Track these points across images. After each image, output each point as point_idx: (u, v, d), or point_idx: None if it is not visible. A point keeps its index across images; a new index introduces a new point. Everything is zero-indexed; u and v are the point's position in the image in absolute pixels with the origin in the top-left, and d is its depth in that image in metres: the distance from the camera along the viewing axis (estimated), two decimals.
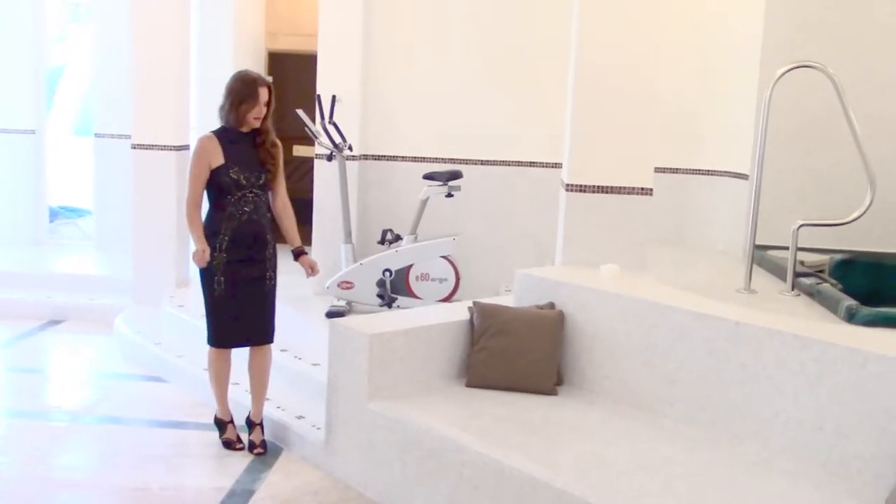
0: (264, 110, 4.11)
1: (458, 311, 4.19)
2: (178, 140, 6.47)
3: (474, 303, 4.15)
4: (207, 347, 4.29)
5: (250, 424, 4.33)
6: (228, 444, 4.34)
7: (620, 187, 4.42)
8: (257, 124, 4.12)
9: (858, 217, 4.63)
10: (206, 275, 4.14)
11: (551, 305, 4.12)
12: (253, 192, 4.13)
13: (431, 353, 4.00)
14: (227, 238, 4.10)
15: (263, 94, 4.09)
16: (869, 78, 5.43)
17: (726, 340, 3.48)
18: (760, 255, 5.38)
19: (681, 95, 5.84)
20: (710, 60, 6.03)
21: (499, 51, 6.39)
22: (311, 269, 4.34)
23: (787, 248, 5.39)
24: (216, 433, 4.39)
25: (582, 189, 4.46)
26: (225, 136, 4.13)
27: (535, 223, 6.23)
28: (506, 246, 6.38)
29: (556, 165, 5.96)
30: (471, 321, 4.10)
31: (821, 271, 5.38)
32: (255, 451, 4.24)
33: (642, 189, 4.44)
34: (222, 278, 4.12)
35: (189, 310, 5.83)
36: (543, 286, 4.20)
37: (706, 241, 6.16)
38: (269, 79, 4.41)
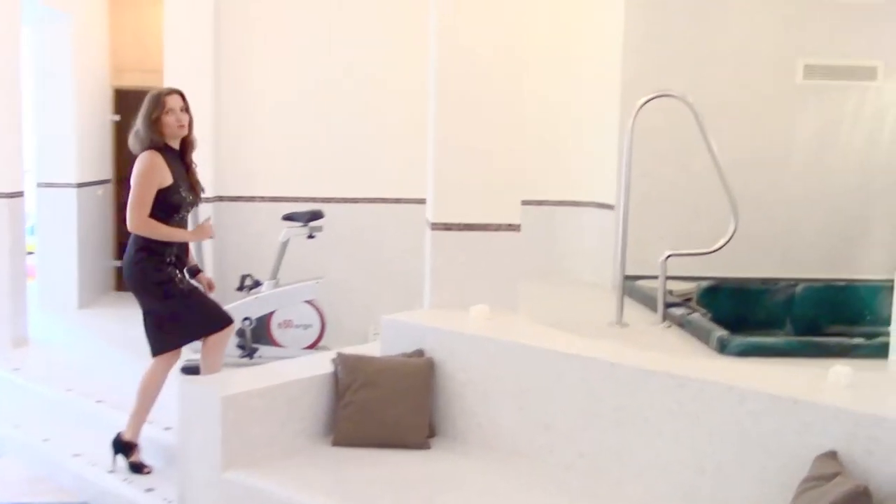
0: (184, 116, 4.10)
1: (321, 364, 3.89)
2: (10, 187, 5.92)
3: (338, 354, 3.87)
4: (150, 364, 4.19)
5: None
6: (139, 468, 4.17)
7: (486, 224, 4.25)
8: (183, 132, 4.10)
9: (723, 245, 4.64)
10: (162, 286, 4.06)
11: (420, 353, 3.88)
12: (188, 213, 4.19)
13: (293, 411, 3.68)
14: (174, 255, 4.12)
15: (172, 100, 4.07)
16: (723, 107, 5.50)
17: (602, 381, 3.32)
18: (630, 286, 5.35)
19: (545, 126, 5.77)
20: (574, 91, 6.01)
21: (359, 83, 6.19)
22: (209, 287, 4.34)
23: (655, 278, 5.38)
24: None
25: (447, 227, 4.27)
26: (162, 155, 4.04)
27: (404, 262, 6.02)
28: (373, 287, 6.13)
29: (423, 201, 5.77)
30: (335, 374, 3.81)
31: (689, 299, 5.40)
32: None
33: (509, 225, 4.28)
34: (181, 277, 4.14)
35: (27, 372, 5.29)
36: (411, 332, 3.96)
37: (575, 272, 6.10)
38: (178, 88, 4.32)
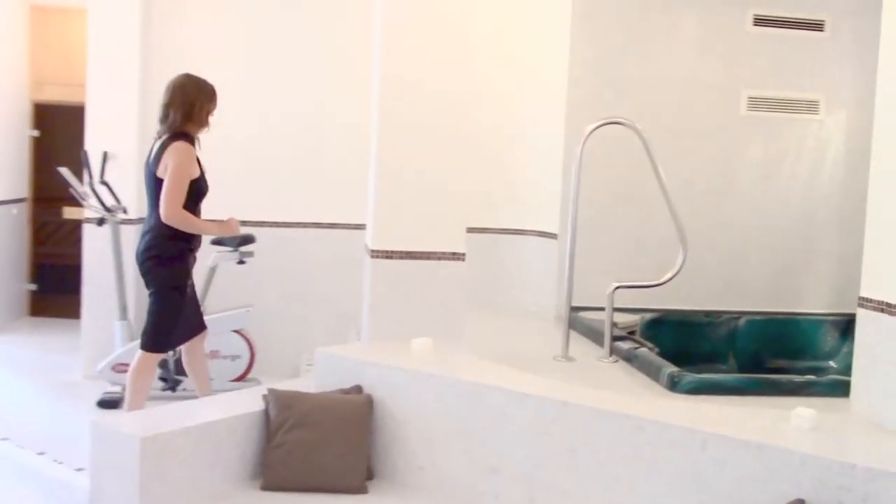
0: None
1: (251, 401, 3.61)
2: None
3: (270, 391, 3.59)
4: (141, 356, 4.18)
5: None
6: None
7: (430, 252, 4.05)
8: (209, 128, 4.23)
9: (672, 277, 4.50)
10: (176, 280, 4.14)
11: (358, 389, 3.63)
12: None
13: (220, 453, 3.39)
14: (195, 244, 4.23)
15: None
16: (667, 136, 5.41)
17: (554, 422, 3.12)
18: (573, 318, 5.18)
19: (486, 152, 5.59)
20: (516, 117, 5.86)
21: (295, 103, 5.93)
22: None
23: (599, 309, 5.23)
24: None
25: (388, 255, 4.05)
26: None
27: (339, 290, 5.76)
28: (307, 316, 5.85)
29: (361, 227, 5.54)
30: (266, 412, 3.53)
31: (633, 332, 5.26)
32: None
33: (454, 254, 4.08)
34: (186, 281, 4.22)
35: None
36: (348, 366, 3.70)
37: (516, 302, 5.92)
38: None
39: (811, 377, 4.09)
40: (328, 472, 3.41)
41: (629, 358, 4.40)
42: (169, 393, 5.15)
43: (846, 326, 5.67)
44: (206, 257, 5.33)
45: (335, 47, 5.94)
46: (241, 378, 5.24)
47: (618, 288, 4.52)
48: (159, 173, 4.02)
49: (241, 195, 5.91)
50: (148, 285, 4.18)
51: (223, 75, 5.90)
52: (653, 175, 5.17)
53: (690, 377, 3.83)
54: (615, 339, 4.61)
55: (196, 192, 4.12)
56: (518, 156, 5.85)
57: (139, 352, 4.21)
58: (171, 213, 3.99)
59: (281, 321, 5.80)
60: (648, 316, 5.48)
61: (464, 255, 4.10)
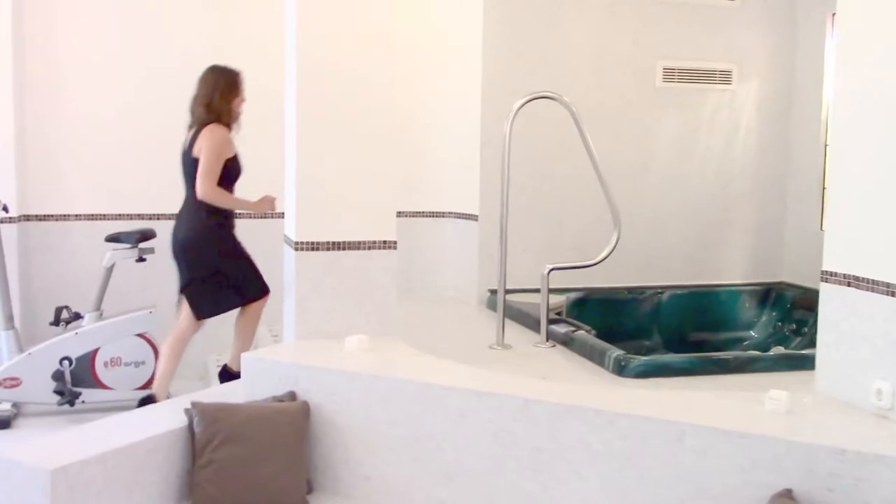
0: None
1: (172, 417, 3.25)
2: None
3: (193, 404, 3.23)
4: (181, 325, 4.35)
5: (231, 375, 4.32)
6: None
7: (359, 242, 3.75)
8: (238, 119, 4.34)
9: (607, 256, 4.36)
10: (228, 248, 4.31)
11: (292, 395, 3.32)
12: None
13: (141, 477, 3.02)
14: (231, 221, 4.37)
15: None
16: (583, 112, 5.22)
17: (514, 421, 2.90)
18: (494, 300, 4.99)
19: (404, 134, 5.30)
20: (430, 98, 5.58)
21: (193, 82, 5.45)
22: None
23: (523, 291, 5.07)
24: None
25: (313, 247, 3.73)
26: None
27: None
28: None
29: (277, 216, 5.18)
30: (190, 428, 3.17)
31: (559, 313, 5.11)
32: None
33: (384, 242, 3.80)
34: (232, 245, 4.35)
35: None
36: (279, 371, 3.38)
37: (436, 287, 5.68)
38: None
39: (756, 353, 4.03)
40: (264, 488, 3.10)
41: (567, 342, 4.24)
42: (67, 407, 4.68)
43: (764, 296, 5.71)
44: (101, 256, 4.88)
45: (243, 28, 5.51)
46: (146, 385, 4.80)
47: (553, 270, 4.34)
48: (195, 153, 4.20)
49: (140, 187, 5.44)
50: (194, 265, 4.29)
51: (114, 57, 5.42)
52: (572, 152, 5.05)
53: (637, 360, 3.68)
54: (549, 322, 4.43)
55: (231, 172, 4.24)
56: (433, 136, 5.59)
57: (183, 322, 4.36)
58: (207, 189, 4.14)
59: None
60: (573, 296, 5.35)
61: (395, 243, 3.82)
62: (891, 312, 2.66)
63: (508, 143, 4.16)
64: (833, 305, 2.92)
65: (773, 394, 2.74)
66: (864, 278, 2.76)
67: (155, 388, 4.37)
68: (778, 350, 5.36)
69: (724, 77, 5.62)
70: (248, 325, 4.44)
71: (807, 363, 3.76)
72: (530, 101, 4.20)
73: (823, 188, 5.54)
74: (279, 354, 3.52)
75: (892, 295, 2.65)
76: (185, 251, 4.27)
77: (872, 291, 2.72)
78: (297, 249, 3.71)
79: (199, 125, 4.23)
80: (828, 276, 2.94)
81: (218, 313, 4.38)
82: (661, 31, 5.49)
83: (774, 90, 5.71)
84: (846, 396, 2.86)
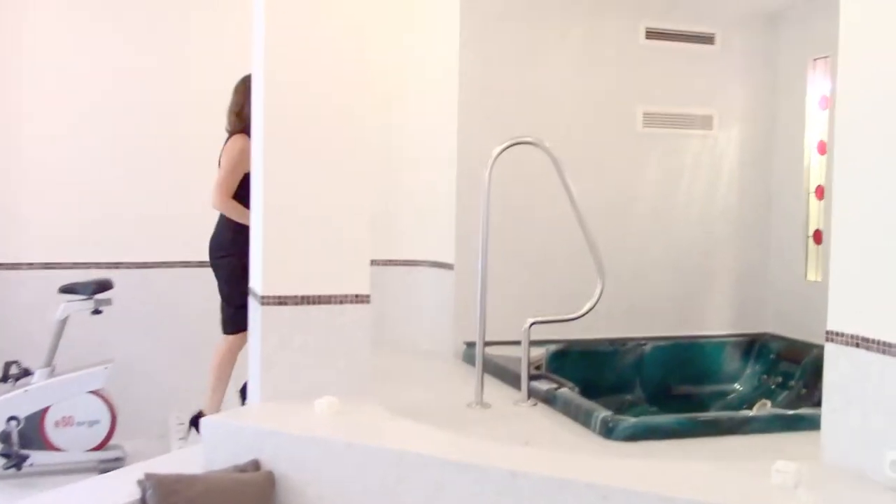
0: None
1: (122, 489, 2.97)
2: None
3: (147, 476, 2.95)
4: (225, 341, 4.35)
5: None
6: None
7: (331, 296, 3.51)
8: None
9: (591, 309, 4.15)
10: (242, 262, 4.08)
11: (255, 465, 3.05)
12: None
13: None
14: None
15: None
16: (564, 156, 5.06)
17: (500, 496, 2.66)
18: (471, 353, 4.77)
19: (375, 178, 5.10)
20: (404, 144, 5.38)
21: (152, 125, 5.22)
22: None
23: (499, 343, 4.82)
24: None
25: (281, 301, 3.48)
26: None
27: (213, 335, 5.09)
28: (176, 367, 5.14)
29: None
30: (143, 502, 2.89)
31: (539, 367, 4.89)
32: None
33: (357, 296, 3.56)
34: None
35: None
36: (242, 437, 3.12)
37: (409, 339, 5.43)
38: None
39: (750, 413, 3.83)
40: None
41: (549, 399, 4.01)
42: (13, 472, 4.36)
43: (748, 347, 5.53)
44: (54, 308, 4.60)
45: (201, 67, 5.30)
46: (100, 446, 4.51)
47: (534, 323, 4.13)
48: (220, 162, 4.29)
49: (96, 235, 5.16)
50: (218, 271, 4.38)
51: (70, 97, 5.19)
52: (552, 198, 4.87)
53: (626, 422, 3.46)
54: (530, 378, 4.21)
55: (249, 185, 4.11)
56: (406, 181, 5.39)
57: (221, 342, 4.37)
58: (218, 200, 4.23)
59: (146, 375, 5.08)
60: (553, 348, 5.12)
61: (368, 296, 3.59)
62: None
63: (488, 189, 3.96)
64: (840, 368, 2.73)
65: (781, 466, 2.53)
66: (874, 340, 2.57)
67: (208, 410, 4.27)
68: (763, 404, 5.18)
69: (705, 122, 5.50)
70: (224, 366, 4.38)
71: (802, 424, 3.59)
72: (510, 146, 4.02)
73: (807, 236, 5.41)
74: (242, 419, 3.26)
75: None
76: (211, 263, 4.41)
77: (885, 354, 2.53)
78: (263, 304, 3.47)
79: (228, 134, 4.33)
80: (833, 336, 2.75)
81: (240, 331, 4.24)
82: (641, 75, 5.36)
83: (756, 136, 5.60)
84: (857, 467, 2.65)
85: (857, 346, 2.64)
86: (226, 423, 3.20)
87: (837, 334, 2.73)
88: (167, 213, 5.18)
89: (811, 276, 5.40)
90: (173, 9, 5.28)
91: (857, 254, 2.67)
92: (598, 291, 4.13)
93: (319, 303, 3.50)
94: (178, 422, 4.69)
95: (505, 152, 4.06)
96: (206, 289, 5.11)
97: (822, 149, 5.29)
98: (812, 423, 3.51)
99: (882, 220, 2.59)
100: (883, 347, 2.54)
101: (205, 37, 5.33)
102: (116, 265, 5.02)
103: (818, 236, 5.33)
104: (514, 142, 4.04)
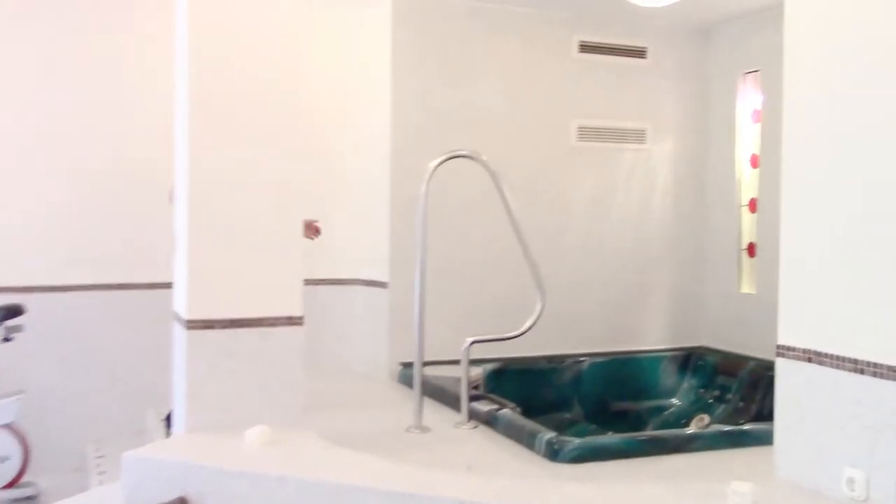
0: None
1: None
2: None
3: None
4: None
5: None
6: None
7: (261, 318, 3.32)
8: None
9: (532, 326, 4.04)
10: None
11: (181, 502, 2.84)
12: None
13: None
14: None
15: None
16: (498, 169, 4.97)
17: None
18: (407, 374, 4.63)
19: (307, 194, 4.91)
20: (335, 160, 5.20)
21: (69, 137, 4.92)
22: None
23: (436, 363, 4.68)
24: None
25: (207, 325, 3.28)
26: None
27: (133, 360, 4.84)
28: (94, 396, 4.84)
29: (157, 286, 4.68)
30: None
31: (477, 387, 4.76)
32: None
33: (289, 318, 3.38)
34: None
35: None
36: (166, 472, 2.91)
37: (343, 361, 5.24)
38: None
39: (695, 431, 3.76)
40: None
41: (490, 421, 3.88)
42: None
43: (685, 361, 5.51)
44: None
45: (112, 77, 5.03)
46: (12, 484, 4.21)
47: (474, 342, 4.00)
48: None
49: (6, 253, 4.83)
50: None
51: None
52: (488, 213, 4.76)
53: (572, 444, 3.35)
54: (471, 399, 4.07)
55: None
56: (338, 197, 5.21)
57: None
58: None
59: (61, 405, 4.76)
60: (490, 367, 5.01)
61: (301, 318, 3.41)
62: (860, 392, 2.41)
63: (425, 204, 3.83)
64: (792, 383, 2.66)
65: (736, 486, 2.45)
66: (827, 354, 2.51)
67: None
68: (702, 418, 5.15)
69: (638, 136, 5.47)
70: None
71: (748, 439, 3.54)
72: (447, 160, 3.89)
73: (740, 249, 5.42)
74: (166, 452, 3.04)
75: (861, 373, 2.41)
76: None
77: (839, 368, 2.47)
78: (188, 328, 3.25)
79: None
80: (784, 351, 2.69)
81: None
82: (575, 89, 5.31)
83: (688, 149, 5.60)
84: (813, 485, 2.59)
85: (810, 360, 2.58)
86: (148, 458, 2.97)
87: (788, 349, 2.66)
88: (80, 233, 4.87)
89: (745, 289, 5.41)
90: (97, 31, 5.00)
91: (806, 267, 2.62)
92: (538, 308, 4.02)
93: (249, 326, 3.31)
94: (97, 454, 4.42)
95: (439, 168, 3.93)
96: (124, 312, 4.86)
97: (755, 162, 5.32)
98: (758, 439, 3.48)
99: (831, 232, 2.54)
100: (836, 361, 2.49)
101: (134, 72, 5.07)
102: (29, 289, 4.71)
103: (752, 249, 5.34)
104: (450, 155, 3.92)
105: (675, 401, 5.44)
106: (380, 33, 5.02)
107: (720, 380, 5.25)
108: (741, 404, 5.02)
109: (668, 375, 5.48)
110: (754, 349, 5.15)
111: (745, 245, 5.40)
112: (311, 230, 4.35)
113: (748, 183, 5.39)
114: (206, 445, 3.08)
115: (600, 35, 5.33)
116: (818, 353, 2.55)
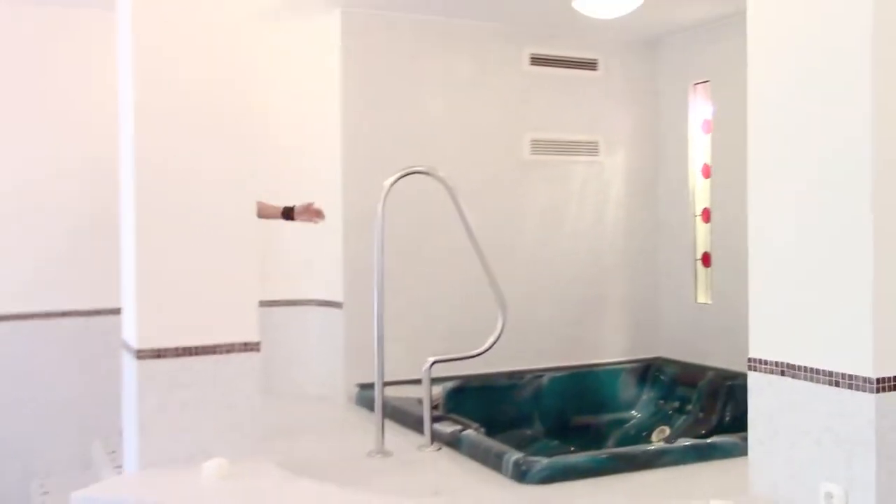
0: None
1: None
2: None
3: None
4: None
5: None
6: None
7: (215, 346, 3.18)
8: None
9: (493, 344, 3.97)
10: None
11: None
12: None
13: None
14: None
15: None
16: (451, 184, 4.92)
17: None
18: (365, 396, 4.52)
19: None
20: (288, 174, 5.06)
21: (23, 158, 4.71)
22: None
23: (393, 384, 4.55)
24: None
25: (158, 354, 3.13)
26: None
27: (78, 391, 4.63)
28: (37, 430, 4.62)
29: (101, 312, 4.50)
30: None
31: (436, 406, 4.66)
32: None
33: (245, 344, 3.25)
34: None
35: None
36: None
37: (297, 384, 5.09)
38: None
39: (663, 445, 3.72)
40: None
41: (454, 443, 3.79)
42: None
43: (643, 373, 5.49)
44: None
45: (52, 95, 4.83)
46: None
47: (436, 362, 3.90)
48: None
49: None
50: None
51: None
52: (442, 230, 4.69)
53: (540, 464, 3.28)
54: (433, 420, 3.97)
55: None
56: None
57: None
58: None
59: (4, 438, 4.54)
60: (450, 385, 4.91)
61: (258, 344, 3.28)
62: (835, 405, 2.37)
63: (382, 222, 3.75)
64: (765, 397, 2.62)
65: None
66: (800, 367, 2.48)
67: None
68: (663, 430, 5.14)
69: (591, 149, 5.45)
70: None
71: (715, 453, 3.51)
72: (403, 176, 3.81)
73: (695, 259, 5.42)
74: (118, 490, 2.88)
75: (836, 385, 2.37)
76: None
77: (812, 381, 2.44)
78: (138, 358, 3.10)
79: None
80: (756, 365, 2.65)
81: None
82: (527, 102, 5.27)
83: (641, 160, 5.60)
84: (789, 500, 2.55)
85: (783, 373, 2.54)
86: (97, 498, 2.81)
87: (761, 362, 2.62)
88: (16, 259, 4.63)
89: (701, 299, 5.41)
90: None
91: (776, 279, 2.58)
92: (499, 325, 3.96)
93: (203, 353, 3.17)
94: (42, 490, 4.21)
95: (393, 185, 3.84)
96: (66, 342, 4.65)
97: (706, 172, 5.33)
98: (725, 452, 3.45)
99: (800, 244, 2.51)
100: (810, 374, 2.45)
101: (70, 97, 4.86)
102: None
103: (706, 259, 5.35)
104: (406, 171, 3.84)
105: (635, 413, 5.41)
106: (328, 49, 4.92)
107: (679, 391, 5.24)
108: (701, 415, 5.01)
109: (627, 388, 5.45)
110: (712, 359, 5.14)
111: (699, 255, 5.40)
112: (312, 213, 4.17)
113: (701, 193, 5.40)
114: (160, 482, 2.93)
115: (551, 48, 5.30)
116: (791, 366, 2.52)
